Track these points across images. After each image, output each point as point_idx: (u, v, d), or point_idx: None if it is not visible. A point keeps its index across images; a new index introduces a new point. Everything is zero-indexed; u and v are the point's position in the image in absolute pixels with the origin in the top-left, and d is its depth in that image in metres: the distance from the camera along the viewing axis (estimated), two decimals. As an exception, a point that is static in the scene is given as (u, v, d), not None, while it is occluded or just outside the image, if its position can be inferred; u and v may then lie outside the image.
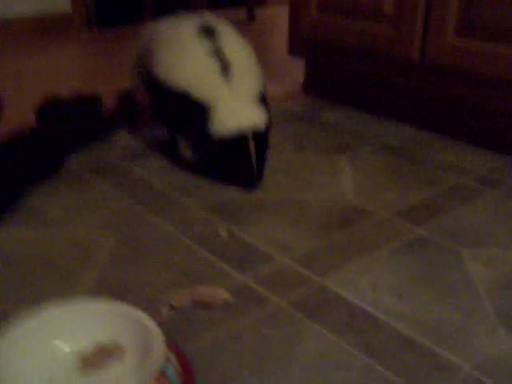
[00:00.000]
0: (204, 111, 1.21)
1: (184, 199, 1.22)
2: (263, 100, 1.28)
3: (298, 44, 1.79)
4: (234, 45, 1.30)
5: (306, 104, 1.82)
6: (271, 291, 0.92)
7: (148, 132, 1.57)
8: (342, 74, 1.79)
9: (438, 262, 1.00)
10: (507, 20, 1.29)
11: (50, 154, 1.39)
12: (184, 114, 1.27)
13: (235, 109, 1.20)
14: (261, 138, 1.21)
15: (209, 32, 1.29)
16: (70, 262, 1.00)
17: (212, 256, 1.02)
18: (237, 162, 1.21)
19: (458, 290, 0.93)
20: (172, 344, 0.73)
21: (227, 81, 1.23)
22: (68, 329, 0.70)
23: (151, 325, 0.68)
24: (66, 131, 1.44)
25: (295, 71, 2.11)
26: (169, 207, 1.18)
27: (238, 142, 1.19)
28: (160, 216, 1.15)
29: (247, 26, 3.14)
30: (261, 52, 2.52)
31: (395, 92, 1.65)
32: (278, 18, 3.41)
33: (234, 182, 1.26)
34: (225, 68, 1.24)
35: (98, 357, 0.68)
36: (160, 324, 0.70)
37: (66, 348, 0.70)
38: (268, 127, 1.23)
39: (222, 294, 0.90)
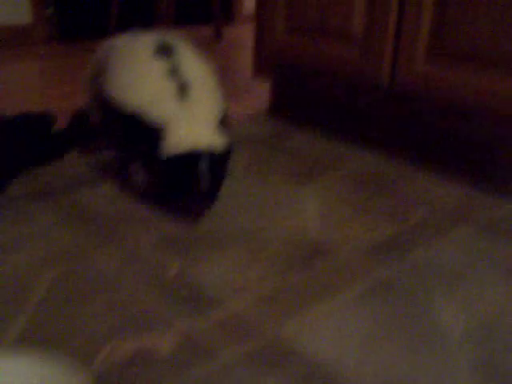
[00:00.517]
0: (156, 133, 1.12)
1: (132, 231, 1.12)
2: (223, 123, 1.19)
3: (264, 65, 1.71)
4: (193, 64, 1.22)
5: (271, 127, 1.73)
6: (221, 341, 0.83)
7: (99, 156, 1.47)
8: (308, 97, 1.71)
9: (406, 308, 0.92)
10: (479, 47, 1.23)
11: None
12: (136, 137, 1.18)
13: (190, 130, 1.11)
14: (215, 161, 1.10)
15: (166, 50, 1.21)
16: (1, 301, 0.89)
17: (159, 297, 0.92)
18: (185, 183, 1.10)
19: (428, 341, 0.84)
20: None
21: (184, 102, 1.14)
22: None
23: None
24: (10, 153, 1.32)
25: (261, 92, 2.03)
26: (115, 240, 1.08)
27: (188, 161, 1.08)
28: (105, 250, 1.05)
29: (214, 45, 3.06)
30: (226, 72, 2.45)
31: (363, 117, 1.58)
32: (245, 37, 3.34)
33: (183, 209, 1.16)
34: (182, 89, 1.15)
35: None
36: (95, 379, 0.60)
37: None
38: (226, 152, 1.13)
39: (166, 345, 0.80)
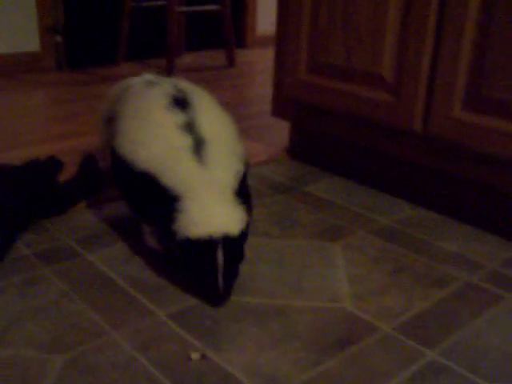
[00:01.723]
0: (170, 200, 1.01)
1: (147, 303, 1.02)
2: (243, 187, 1.08)
3: (284, 104, 1.62)
4: (210, 117, 1.11)
5: (291, 171, 1.64)
6: None
7: (110, 208, 1.37)
8: (331, 140, 1.62)
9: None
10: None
11: None
12: (148, 198, 1.08)
13: (207, 207, 0.99)
14: (233, 247, 0.99)
15: (181, 102, 1.11)
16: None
17: (181, 393, 0.82)
18: (201, 274, 1.00)
19: None
20: None
21: (200, 164, 1.03)
22: None
23: None
24: (14, 204, 1.22)
25: (278, 130, 1.94)
26: (129, 315, 0.99)
27: (205, 251, 0.98)
28: (119, 328, 0.95)
29: (227, 71, 2.98)
30: (242, 103, 2.37)
31: (391, 163, 1.48)
32: (259, 62, 3.26)
33: (199, 293, 1.05)
34: (197, 146, 1.05)
35: None
36: None
37: None
38: (244, 233, 1.01)
39: None
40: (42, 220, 1.29)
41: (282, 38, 1.56)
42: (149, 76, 1.25)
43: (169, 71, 2.80)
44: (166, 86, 1.15)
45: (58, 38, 2.89)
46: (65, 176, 1.45)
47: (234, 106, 2.29)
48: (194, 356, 0.89)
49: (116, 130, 1.16)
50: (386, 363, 0.89)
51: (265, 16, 3.64)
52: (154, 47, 3.22)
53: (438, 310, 1.03)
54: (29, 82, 2.64)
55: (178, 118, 1.08)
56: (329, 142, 1.62)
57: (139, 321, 0.97)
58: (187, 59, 3.24)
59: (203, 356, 0.89)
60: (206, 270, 0.98)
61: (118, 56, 3.03)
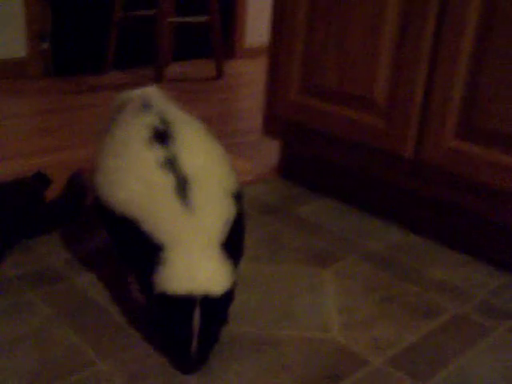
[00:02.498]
0: (151, 250, 0.90)
1: (135, 333, 1.01)
2: (234, 235, 0.96)
3: (274, 124, 1.61)
4: (196, 152, 0.98)
5: (280, 192, 1.63)
6: None
7: (99, 228, 1.36)
8: (322, 162, 1.62)
9: None
10: (510, 128, 1.14)
11: None
12: (129, 246, 0.98)
13: (189, 261, 0.88)
14: (214, 309, 0.88)
15: (162, 136, 0.98)
16: None
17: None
18: (174, 335, 0.89)
19: None
20: None
21: (185, 207, 0.91)
22: None
23: None
24: (1, 222, 1.21)
25: (267, 148, 1.93)
26: (117, 344, 0.97)
27: (181, 310, 0.87)
28: (108, 359, 0.94)
29: (215, 82, 2.97)
30: (228, 120, 2.35)
31: (382, 188, 1.48)
32: (247, 73, 3.25)
33: (170, 356, 0.95)
34: (182, 187, 0.92)
35: None
36: None
37: None
38: (229, 293, 0.90)
39: None
40: (29, 240, 1.27)
41: (275, 58, 1.55)
42: (147, 93, 1.12)
43: (157, 81, 2.79)
44: (150, 116, 1.03)
45: (45, 45, 2.86)
46: (52, 192, 1.44)
47: (222, 122, 2.29)
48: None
49: (95, 165, 1.06)
50: (376, 399, 0.89)
51: (254, 27, 3.64)
52: (142, 56, 3.20)
53: (427, 343, 1.03)
54: (14, 90, 2.61)
55: (158, 153, 0.95)
56: (320, 163, 1.62)
57: (129, 350, 0.96)
58: (175, 69, 3.22)
59: (192, 390, 0.88)
60: (180, 331, 0.87)
61: (106, 64, 3.00)
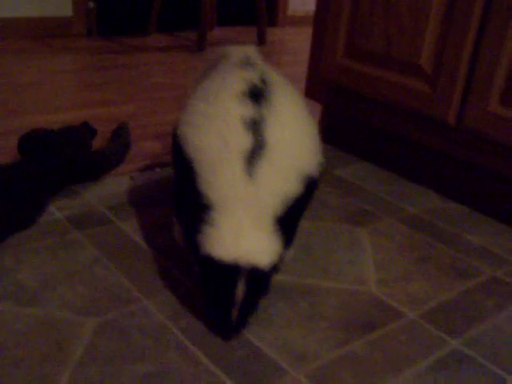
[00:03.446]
0: (203, 209, 0.88)
1: (177, 273, 1.04)
2: (292, 216, 0.93)
3: (318, 86, 1.62)
4: (285, 121, 0.93)
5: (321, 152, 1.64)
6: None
7: (143, 177, 1.39)
8: (363, 126, 1.62)
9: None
10: None
11: (28, 195, 1.18)
12: (184, 196, 0.98)
13: (239, 229, 0.85)
14: (257, 281, 0.86)
15: (257, 96, 0.93)
16: (36, 359, 0.82)
17: (212, 363, 0.84)
18: (215, 299, 0.88)
19: None
20: None
21: (249, 175, 0.87)
22: None
23: None
24: (50, 167, 1.24)
25: (309, 112, 1.94)
26: (160, 284, 1.01)
27: (225, 277, 0.85)
28: (150, 297, 0.97)
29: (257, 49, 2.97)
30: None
31: (422, 153, 1.49)
32: (288, 41, 3.25)
33: (208, 317, 0.93)
34: (255, 152, 0.88)
35: None
36: None
37: None
38: (274, 267, 0.88)
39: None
40: (75, 186, 1.31)
41: (321, 20, 1.56)
42: (248, 51, 1.11)
43: (200, 45, 2.81)
44: (251, 72, 0.99)
45: (91, 4, 2.90)
46: (97, 143, 1.48)
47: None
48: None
49: (184, 105, 1.03)
50: (409, 349, 0.91)
51: (298, -5, 3.63)
52: (186, 20, 3.22)
53: (462, 301, 1.04)
54: (60, 48, 2.66)
55: (247, 111, 0.91)
56: (361, 127, 1.63)
57: (170, 290, 0.99)
58: (218, 34, 3.23)
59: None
60: (222, 297, 0.86)
61: (149, 27, 3.03)
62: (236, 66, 1.04)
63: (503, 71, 1.21)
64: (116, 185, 1.35)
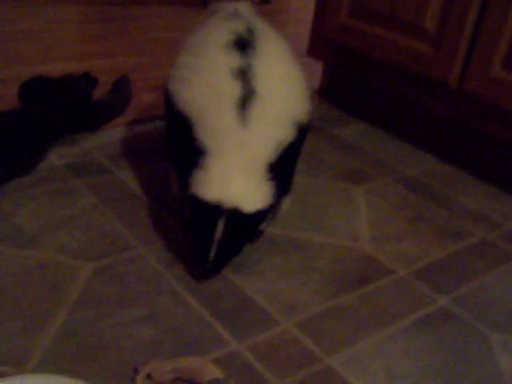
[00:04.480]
0: (196, 154, 0.91)
1: (173, 221, 1.06)
2: (286, 161, 0.94)
3: (320, 45, 1.62)
4: (273, 68, 0.95)
5: (320, 112, 1.65)
6: (269, 368, 0.77)
7: (142, 129, 1.40)
8: (363, 86, 1.62)
9: (462, 347, 0.86)
10: None
11: (28, 142, 1.19)
12: (178, 145, 1.01)
13: (228, 173, 0.88)
14: (240, 225, 0.88)
15: (243, 45, 0.95)
16: (33, 299, 0.84)
17: (204, 309, 0.86)
18: (198, 238, 0.90)
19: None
20: None
21: (241, 121, 0.89)
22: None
23: None
24: (50, 114, 1.24)
25: (311, 71, 1.94)
26: (156, 232, 1.02)
27: (207, 217, 0.87)
28: (146, 244, 0.99)
29: (263, 7, 2.94)
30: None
31: (421, 116, 1.49)
32: (294, 2, 3.22)
33: (191, 255, 0.97)
34: (246, 99, 0.90)
35: None
36: None
37: None
38: (261, 213, 0.89)
39: (211, 372, 0.75)
40: (75, 135, 1.32)
41: (327, -22, 1.54)
42: (239, 6, 1.10)
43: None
44: (236, 23, 1.00)
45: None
46: (98, 93, 1.48)
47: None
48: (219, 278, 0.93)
49: (172, 67, 1.04)
50: (397, 304, 0.93)
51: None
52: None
53: (452, 261, 1.06)
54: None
55: (234, 60, 0.93)
56: (361, 87, 1.63)
57: (166, 239, 1.01)
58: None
59: (227, 279, 0.93)
60: (203, 237, 0.88)
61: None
62: (223, 18, 1.05)
63: (508, 35, 1.21)
64: (116, 135, 1.35)
